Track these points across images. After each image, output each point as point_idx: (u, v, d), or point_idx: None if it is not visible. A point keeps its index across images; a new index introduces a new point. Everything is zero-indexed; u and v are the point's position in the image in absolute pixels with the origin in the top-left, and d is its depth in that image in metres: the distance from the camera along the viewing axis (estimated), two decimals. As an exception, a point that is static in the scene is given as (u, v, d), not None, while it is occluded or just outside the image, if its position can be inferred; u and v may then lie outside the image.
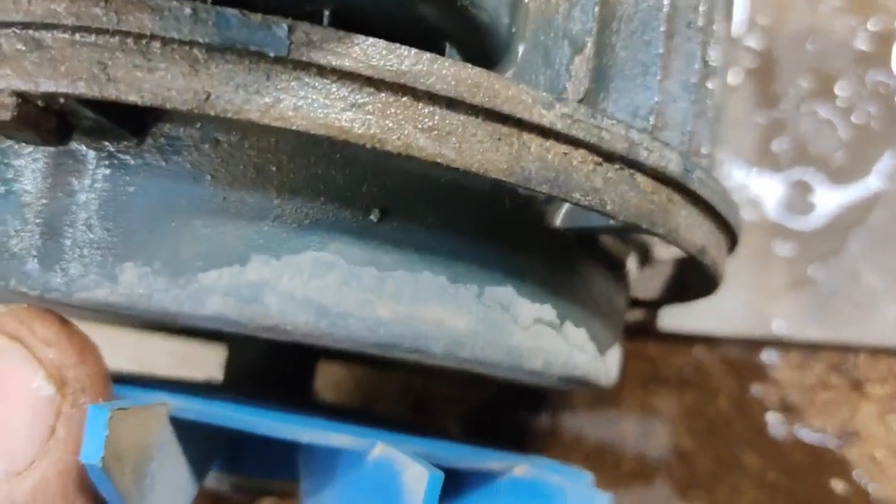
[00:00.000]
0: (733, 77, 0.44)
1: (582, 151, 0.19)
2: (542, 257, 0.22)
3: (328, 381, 0.42)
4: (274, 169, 0.19)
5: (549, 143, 0.18)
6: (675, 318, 0.40)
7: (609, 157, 0.19)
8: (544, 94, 0.18)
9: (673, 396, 0.41)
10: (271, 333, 0.20)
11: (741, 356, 0.40)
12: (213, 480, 0.27)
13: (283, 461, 0.27)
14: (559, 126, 0.18)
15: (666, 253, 0.33)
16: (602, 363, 0.25)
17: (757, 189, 0.42)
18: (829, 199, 0.41)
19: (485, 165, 0.18)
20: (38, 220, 0.19)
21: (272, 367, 0.29)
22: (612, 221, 0.21)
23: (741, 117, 0.43)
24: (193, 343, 0.38)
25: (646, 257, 0.28)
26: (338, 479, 0.22)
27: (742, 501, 0.39)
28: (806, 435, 0.39)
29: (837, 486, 0.38)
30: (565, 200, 0.19)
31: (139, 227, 0.19)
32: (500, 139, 0.18)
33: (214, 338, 0.34)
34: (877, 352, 0.39)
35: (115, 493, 0.18)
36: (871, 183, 0.41)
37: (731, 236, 0.25)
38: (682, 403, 0.41)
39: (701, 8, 0.24)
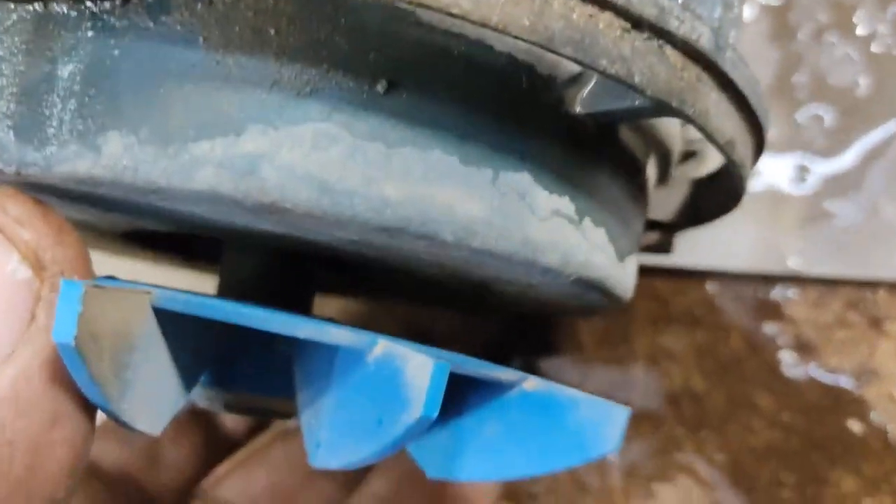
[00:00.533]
0: (749, 11, 0.42)
1: (608, 14, 0.17)
2: (561, 146, 0.20)
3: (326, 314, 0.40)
4: (273, 32, 0.18)
5: (574, 2, 0.17)
6: (686, 255, 0.39)
7: (637, 23, 0.18)
8: (567, -53, 0.17)
9: (683, 336, 0.39)
10: (269, 213, 0.18)
11: (754, 293, 0.39)
12: (205, 399, 0.26)
13: (279, 375, 0.25)
14: (584, -16, 0.17)
15: (682, 175, 0.32)
16: (621, 269, 0.23)
17: (774, 123, 0.40)
18: (848, 132, 0.39)
19: (504, 20, 0.16)
20: (14, 89, 0.18)
21: (267, 285, 0.28)
22: (637, 102, 0.19)
23: (757, 52, 0.42)
24: (188, 275, 0.37)
25: (665, 169, 0.27)
26: (335, 384, 0.21)
27: (755, 442, 0.38)
28: (822, 374, 0.38)
29: (854, 426, 0.37)
30: (591, 68, 0.17)
31: (124, 94, 0.17)
32: (520, -6, 0.16)
33: (209, 256, 0.33)
34: (896, 288, 0.37)
35: (90, 380, 0.16)
36: (893, 116, 0.39)
37: (758, 138, 0.23)
38: (692, 343, 0.39)
39: None
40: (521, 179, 0.20)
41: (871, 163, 0.38)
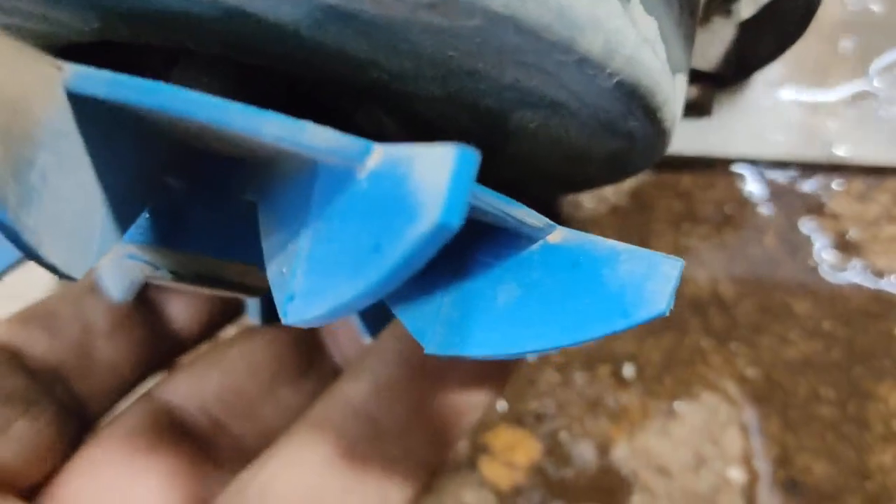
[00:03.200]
0: None
1: None
2: None
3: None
4: None
5: None
6: (713, 142, 0.34)
7: None
8: None
9: (711, 236, 0.35)
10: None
11: (791, 186, 0.34)
12: (148, 262, 0.21)
13: (241, 233, 0.20)
14: None
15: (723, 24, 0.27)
16: (671, 84, 0.19)
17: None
18: (897, 6, 0.34)
19: None
20: None
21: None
22: None
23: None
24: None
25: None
26: (312, 218, 0.16)
27: (791, 354, 0.34)
28: (867, 277, 0.33)
29: (905, 333, 0.33)
30: None
31: None
32: None
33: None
34: (954, 178, 0.33)
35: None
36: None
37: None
38: (721, 244, 0.35)
39: None
40: (555, -78, 0.15)
41: (925, 38, 0.34)
